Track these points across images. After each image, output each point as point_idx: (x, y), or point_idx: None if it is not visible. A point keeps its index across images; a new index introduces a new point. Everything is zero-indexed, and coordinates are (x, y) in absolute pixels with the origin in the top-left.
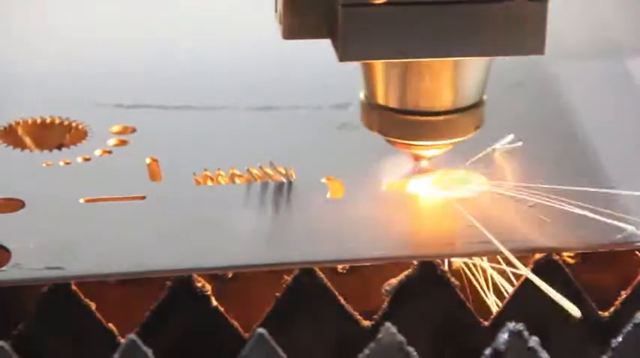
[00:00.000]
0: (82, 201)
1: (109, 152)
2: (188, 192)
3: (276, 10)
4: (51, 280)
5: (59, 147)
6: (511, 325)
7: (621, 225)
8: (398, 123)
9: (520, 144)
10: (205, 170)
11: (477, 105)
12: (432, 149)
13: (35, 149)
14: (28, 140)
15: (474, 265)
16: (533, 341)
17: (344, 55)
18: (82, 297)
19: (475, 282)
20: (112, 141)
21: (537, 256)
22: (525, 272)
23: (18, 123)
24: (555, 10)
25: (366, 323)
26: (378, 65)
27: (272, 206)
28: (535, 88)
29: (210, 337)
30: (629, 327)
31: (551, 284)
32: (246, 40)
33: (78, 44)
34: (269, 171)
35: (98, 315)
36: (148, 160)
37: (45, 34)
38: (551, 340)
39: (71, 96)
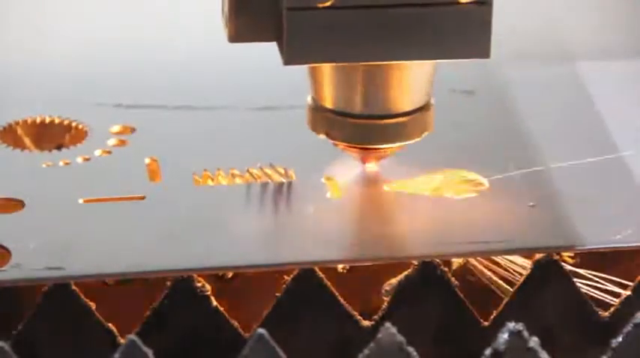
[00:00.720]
0: (81, 201)
1: (109, 152)
2: (188, 193)
3: (222, 13)
4: (51, 280)
5: (59, 148)
6: (511, 325)
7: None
8: (344, 126)
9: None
10: (205, 170)
11: (424, 108)
12: (378, 152)
13: (35, 149)
14: (27, 140)
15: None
16: (533, 342)
17: (289, 59)
18: (82, 297)
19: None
20: (111, 142)
21: (537, 256)
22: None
23: (17, 123)
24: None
25: (366, 323)
26: (324, 68)
27: (272, 206)
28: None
29: (210, 337)
30: (629, 327)
31: (552, 284)
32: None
33: (77, 44)
34: (269, 171)
35: (98, 315)
36: (147, 160)
37: (44, 34)
38: (551, 340)
39: (71, 96)
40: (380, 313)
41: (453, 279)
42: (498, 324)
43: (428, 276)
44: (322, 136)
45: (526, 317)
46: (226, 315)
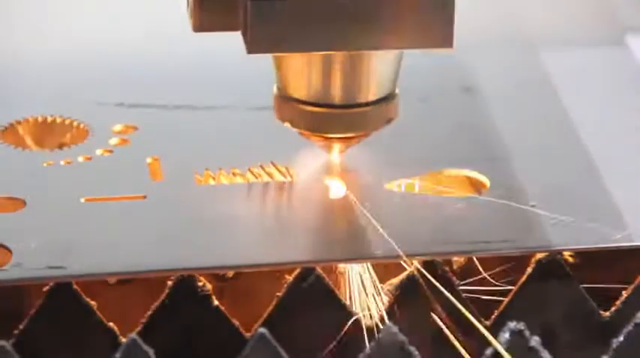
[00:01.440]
0: (83, 200)
1: (110, 151)
2: (189, 192)
3: (187, 4)
4: (52, 279)
5: (60, 147)
6: (512, 324)
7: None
8: (308, 115)
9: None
10: (206, 169)
11: (389, 98)
12: (343, 141)
13: (36, 148)
14: (29, 139)
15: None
16: (534, 341)
17: (252, 48)
18: (84, 297)
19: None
20: (113, 141)
21: (539, 256)
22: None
23: (19, 123)
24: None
25: (368, 322)
26: (288, 58)
27: (273, 205)
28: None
29: (211, 336)
30: (630, 327)
31: (553, 284)
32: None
33: (79, 43)
34: (270, 170)
35: (99, 315)
36: (149, 160)
37: (46, 33)
38: (552, 339)
39: (72, 95)
40: (382, 312)
41: (454, 278)
42: (500, 324)
43: (429, 276)
44: (287, 124)
45: (527, 317)
46: (227, 314)
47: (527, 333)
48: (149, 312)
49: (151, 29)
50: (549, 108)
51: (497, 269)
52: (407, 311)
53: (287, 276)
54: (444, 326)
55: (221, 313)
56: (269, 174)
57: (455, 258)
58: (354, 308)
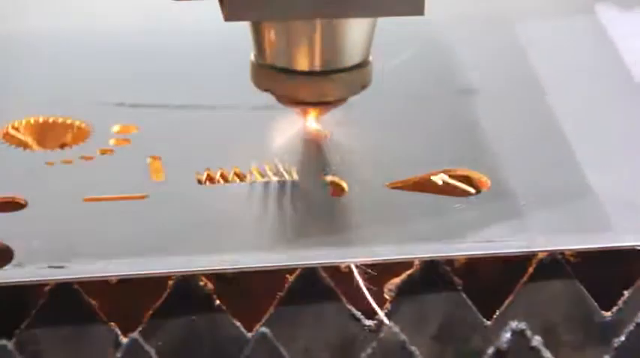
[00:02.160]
0: (84, 200)
1: (111, 151)
2: (190, 191)
3: None
4: (53, 279)
5: (61, 147)
6: (514, 324)
7: None
8: (285, 81)
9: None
10: (207, 169)
11: (362, 65)
12: (319, 108)
13: (37, 148)
14: (30, 139)
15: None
16: (536, 341)
17: (229, 15)
18: (85, 296)
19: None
20: (114, 140)
21: (540, 256)
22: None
23: (20, 123)
24: None
25: (369, 322)
26: (264, 25)
27: (274, 205)
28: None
29: (212, 336)
30: (631, 327)
31: (555, 284)
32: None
33: (79, 43)
34: (271, 170)
35: (101, 314)
36: (149, 159)
37: (46, 33)
38: (553, 339)
39: (73, 95)
40: (383, 312)
41: (455, 278)
42: (501, 323)
43: (430, 275)
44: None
45: (529, 317)
46: (229, 314)
47: (528, 333)
48: (150, 312)
49: (152, 29)
50: (542, 104)
51: (499, 269)
52: (408, 311)
53: (288, 276)
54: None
55: (222, 313)
56: (270, 174)
57: (456, 258)
58: (355, 308)
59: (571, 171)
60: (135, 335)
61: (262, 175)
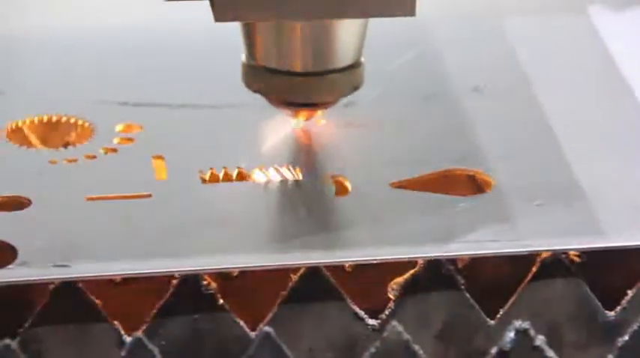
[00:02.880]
0: (87, 199)
1: (115, 150)
2: (194, 190)
3: None
4: (57, 278)
5: (65, 146)
6: (517, 324)
7: None
8: (276, 82)
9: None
10: (211, 168)
11: (355, 66)
12: (311, 109)
13: (41, 147)
14: (34, 138)
15: None
16: (540, 340)
17: (219, 16)
18: (88, 295)
19: None
20: (117, 139)
21: (544, 255)
22: None
23: (24, 122)
24: None
25: (372, 321)
26: (256, 26)
27: (278, 204)
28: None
29: (216, 335)
30: (635, 326)
31: (558, 283)
32: None
33: (83, 42)
34: (275, 169)
35: (104, 313)
36: (153, 158)
37: (49, 32)
38: (557, 339)
39: (77, 94)
40: (386, 312)
41: (459, 278)
42: (505, 323)
43: (434, 275)
44: (255, 93)
45: (532, 316)
46: (232, 314)
47: (532, 332)
48: (154, 311)
49: (156, 27)
50: (543, 104)
51: (502, 269)
52: (412, 310)
53: (292, 275)
54: None
55: (226, 312)
56: (274, 173)
57: (460, 257)
58: (358, 308)
59: (574, 171)
60: (138, 334)
61: (267, 174)
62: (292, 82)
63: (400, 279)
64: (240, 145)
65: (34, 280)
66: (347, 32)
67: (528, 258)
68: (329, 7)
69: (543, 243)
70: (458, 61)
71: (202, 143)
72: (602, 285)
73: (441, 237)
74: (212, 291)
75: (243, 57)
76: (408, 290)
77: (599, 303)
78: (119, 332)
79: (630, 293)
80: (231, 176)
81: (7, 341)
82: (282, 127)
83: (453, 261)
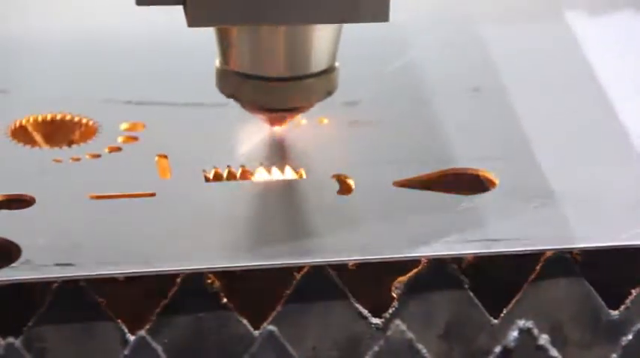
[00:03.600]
0: (91, 197)
1: (119, 149)
2: (198, 189)
3: None
4: (61, 277)
5: (69, 144)
6: (521, 323)
7: None
8: (249, 88)
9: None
10: (215, 167)
11: (329, 71)
12: (285, 114)
13: (45, 146)
14: (38, 137)
15: None
16: (543, 339)
17: (193, 21)
18: (92, 294)
19: None
20: (121, 138)
21: (548, 254)
22: None
23: (28, 120)
24: None
25: (376, 320)
26: (229, 31)
27: (281, 203)
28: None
29: (219, 334)
30: (639, 325)
31: (562, 282)
32: None
33: (87, 41)
34: (279, 168)
35: (108, 312)
36: (157, 157)
37: (54, 31)
38: (561, 338)
39: (81, 93)
40: (390, 310)
41: (462, 277)
42: (508, 322)
43: (437, 274)
44: (230, 98)
45: (536, 315)
46: (236, 312)
47: (535, 331)
48: (158, 310)
49: (160, 26)
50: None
51: (506, 268)
52: (415, 309)
53: (295, 274)
54: None
55: (229, 311)
56: (278, 171)
57: (464, 256)
58: (362, 306)
59: (578, 171)
60: (142, 332)
61: (271, 173)
62: (266, 87)
63: (404, 278)
64: (244, 144)
65: (37, 279)
66: (321, 37)
67: (532, 257)
68: (302, 13)
69: (547, 242)
70: (456, 64)
71: (206, 142)
72: (605, 284)
73: (445, 236)
74: (215, 290)
75: (216, 62)
76: (412, 289)
77: (602, 302)
78: (123, 331)
79: (634, 292)
80: (235, 175)
81: (11, 339)
82: (287, 127)
83: (456, 260)
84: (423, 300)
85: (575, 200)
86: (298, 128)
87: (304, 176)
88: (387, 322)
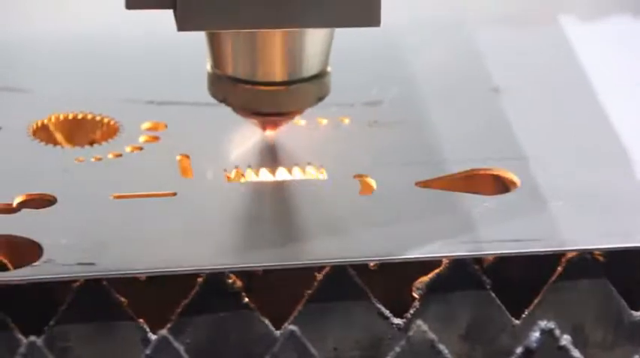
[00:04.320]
0: (113, 197)
1: (140, 148)
2: (219, 189)
3: None
4: (82, 276)
5: (91, 144)
6: (542, 323)
7: None
8: (241, 92)
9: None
10: (236, 167)
11: (320, 75)
12: (277, 119)
13: (67, 145)
14: (59, 136)
15: None
16: (565, 340)
17: (183, 25)
18: (114, 293)
19: None
20: (143, 138)
21: (569, 255)
22: None
23: (50, 120)
24: None
25: (397, 320)
26: (220, 35)
27: (302, 203)
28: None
29: (241, 334)
30: None
31: (584, 283)
32: None
33: (109, 42)
34: (300, 168)
35: (130, 311)
36: (178, 157)
37: (76, 31)
38: (582, 339)
39: (102, 92)
40: (411, 311)
41: (484, 277)
42: (530, 323)
43: (459, 274)
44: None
45: (558, 316)
46: (257, 312)
47: (557, 332)
48: (179, 309)
49: None
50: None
51: (527, 268)
52: (437, 310)
53: (317, 274)
54: None
55: (251, 310)
56: (299, 173)
57: (485, 257)
58: (383, 306)
59: (599, 171)
60: (164, 332)
61: (292, 174)
62: (257, 92)
63: (425, 278)
64: (266, 144)
65: (59, 278)
66: (312, 42)
67: (553, 258)
68: (294, 17)
69: (568, 242)
70: (475, 65)
71: (228, 142)
72: (627, 285)
73: (466, 237)
74: (237, 290)
75: (208, 66)
76: (433, 289)
77: (624, 303)
78: (144, 330)
79: None
80: (257, 174)
81: (33, 338)
82: (307, 127)
83: (478, 260)
84: (445, 301)
85: (596, 200)
86: (319, 128)
87: (325, 176)
88: (409, 322)
